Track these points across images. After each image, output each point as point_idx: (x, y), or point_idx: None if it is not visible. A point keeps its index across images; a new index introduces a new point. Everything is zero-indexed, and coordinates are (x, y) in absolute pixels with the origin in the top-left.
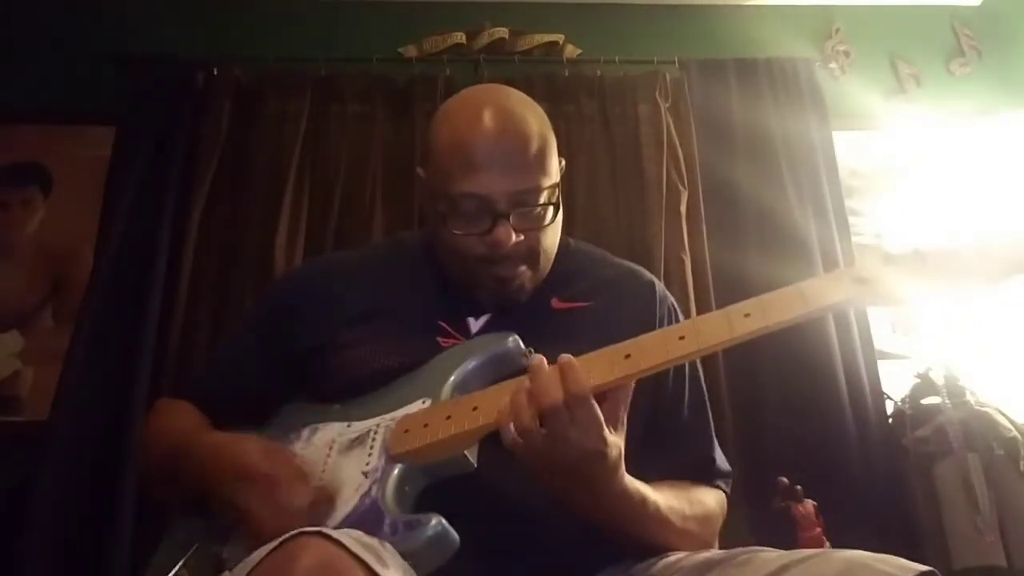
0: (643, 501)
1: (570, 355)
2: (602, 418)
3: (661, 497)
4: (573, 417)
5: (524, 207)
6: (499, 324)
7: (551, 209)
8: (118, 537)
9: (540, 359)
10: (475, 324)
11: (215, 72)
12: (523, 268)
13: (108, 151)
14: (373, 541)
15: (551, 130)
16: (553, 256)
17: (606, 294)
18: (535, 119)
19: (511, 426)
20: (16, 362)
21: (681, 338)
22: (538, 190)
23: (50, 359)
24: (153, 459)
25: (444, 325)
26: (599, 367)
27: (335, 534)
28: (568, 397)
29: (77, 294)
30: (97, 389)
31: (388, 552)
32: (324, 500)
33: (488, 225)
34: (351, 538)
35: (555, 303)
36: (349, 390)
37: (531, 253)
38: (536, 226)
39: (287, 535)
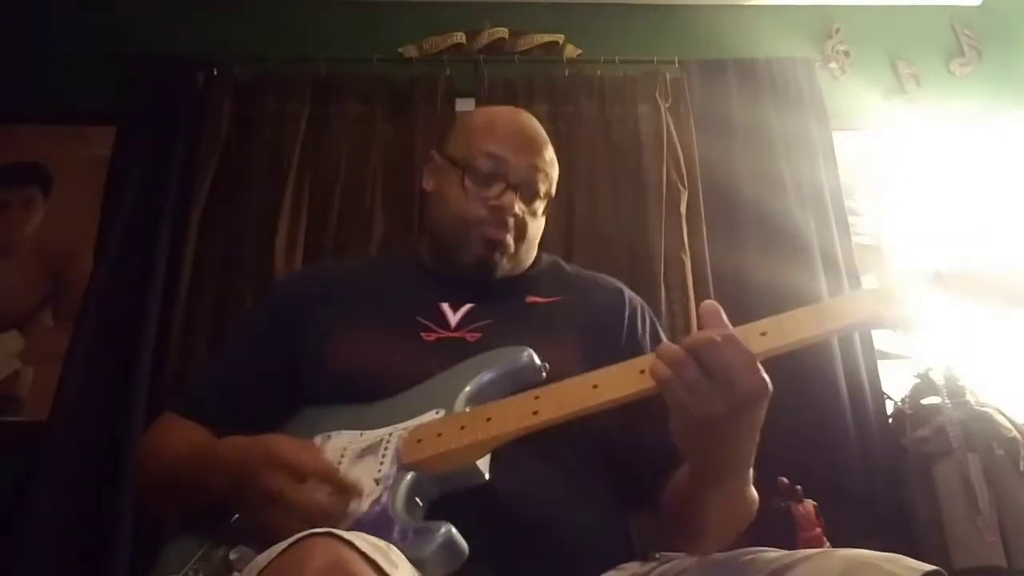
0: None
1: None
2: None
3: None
4: (731, 354)
5: (529, 187)
6: (478, 314)
7: (542, 205)
8: (118, 537)
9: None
10: (452, 315)
11: (215, 72)
12: (510, 239)
13: (108, 151)
14: (382, 543)
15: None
16: (534, 247)
17: (575, 291)
18: (547, 138)
19: (675, 381)
20: (16, 362)
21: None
22: (543, 178)
23: (50, 359)
24: (166, 468)
25: (422, 320)
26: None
27: (345, 535)
28: (720, 335)
29: (77, 294)
30: (97, 389)
31: (397, 554)
32: (350, 494)
33: (498, 191)
34: (361, 539)
35: (529, 299)
36: (340, 394)
37: (520, 230)
38: (531, 209)
39: (297, 536)
